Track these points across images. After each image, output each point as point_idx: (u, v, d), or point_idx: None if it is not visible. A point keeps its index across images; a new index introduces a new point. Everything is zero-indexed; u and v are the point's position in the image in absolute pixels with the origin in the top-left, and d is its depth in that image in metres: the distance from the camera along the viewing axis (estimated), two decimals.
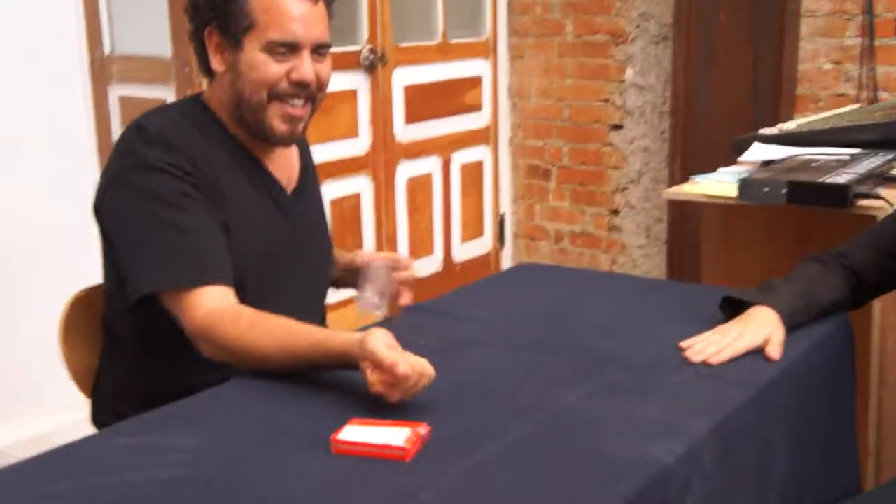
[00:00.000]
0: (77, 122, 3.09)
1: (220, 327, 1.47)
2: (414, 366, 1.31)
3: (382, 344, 1.32)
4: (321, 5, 1.62)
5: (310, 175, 1.79)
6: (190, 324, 1.50)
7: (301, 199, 1.73)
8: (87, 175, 3.02)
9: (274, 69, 1.58)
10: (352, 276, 1.82)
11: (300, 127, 1.65)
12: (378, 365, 1.30)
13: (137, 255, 1.54)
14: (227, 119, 1.65)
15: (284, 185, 1.71)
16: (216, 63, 1.61)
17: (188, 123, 1.62)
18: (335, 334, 1.42)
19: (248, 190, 1.64)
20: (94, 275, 1.74)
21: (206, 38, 1.61)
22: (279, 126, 1.62)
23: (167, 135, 1.57)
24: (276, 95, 1.60)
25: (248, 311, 1.50)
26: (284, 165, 1.72)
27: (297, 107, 1.62)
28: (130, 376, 1.67)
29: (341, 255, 1.90)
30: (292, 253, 1.70)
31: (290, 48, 1.58)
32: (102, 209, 1.61)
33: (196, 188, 1.55)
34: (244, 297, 1.57)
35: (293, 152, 1.76)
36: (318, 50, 1.62)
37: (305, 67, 1.60)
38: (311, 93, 1.63)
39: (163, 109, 1.69)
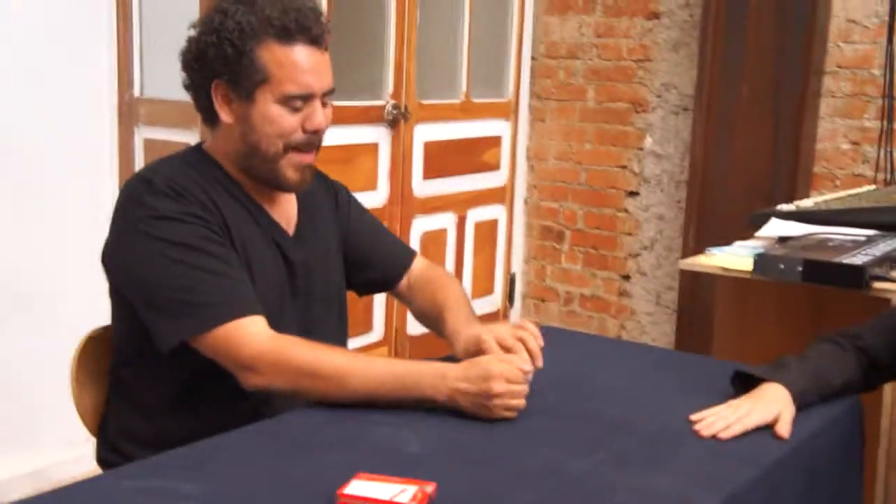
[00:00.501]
0: (101, 163, 3.12)
1: (292, 352, 1.49)
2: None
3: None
4: (327, 54, 1.65)
5: (311, 217, 1.78)
6: (249, 353, 1.50)
7: (301, 242, 1.74)
8: (108, 217, 3.04)
9: (290, 121, 1.60)
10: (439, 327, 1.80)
11: (310, 174, 1.68)
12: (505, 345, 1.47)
13: (168, 304, 1.53)
14: (230, 167, 1.67)
15: (285, 228, 1.72)
16: (224, 115, 1.62)
17: (193, 172, 1.63)
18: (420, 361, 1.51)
19: (254, 232, 1.66)
20: (109, 316, 1.75)
21: (212, 91, 1.61)
22: (293, 175, 1.65)
23: (174, 184, 1.58)
24: (291, 146, 1.62)
25: (305, 340, 1.53)
26: (285, 210, 1.74)
27: (309, 155, 1.65)
28: (137, 420, 1.67)
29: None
30: (293, 295, 1.70)
31: (304, 99, 1.61)
32: (113, 262, 1.61)
33: (212, 231, 1.57)
34: None
35: (291, 196, 1.77)
36: (326, 96, 1.65)
37: (319, 117, 1.62)
38: (320, 140, 1.67)
39: (165, 160, 1.69)
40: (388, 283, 1.92)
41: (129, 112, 3.14)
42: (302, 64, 1.59)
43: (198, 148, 1.71)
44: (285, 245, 1.71)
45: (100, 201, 3.08)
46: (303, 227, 1.75)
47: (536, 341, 1.61)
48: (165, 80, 3.11)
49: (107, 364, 1.75)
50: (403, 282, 1.91)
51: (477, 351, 1.60)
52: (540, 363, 1.60)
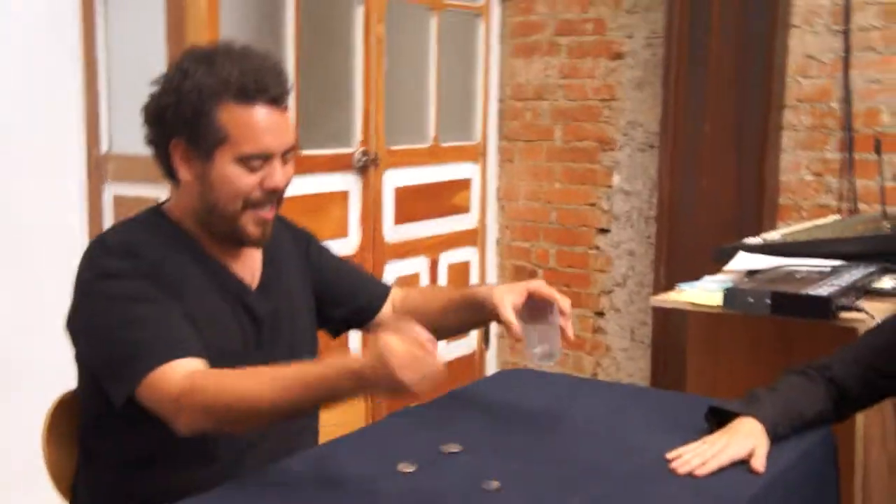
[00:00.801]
0: (72, 222, 3.10)
1: (201, 385, 1.46)
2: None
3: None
4: (287, 113, 1.66)
5: (277, 267, 1.78)
6: (168, 398, 1.47)
7: (266, 294, 1.73)
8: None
9: (248, 181, 1.60)
10: (470, 313, 1.82)
11: (270, 229, 1.68)
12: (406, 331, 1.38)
13: (108, 361, 1.54)
14: (189, 225, 1.67)
15: (248, 283, 1.72)
16: (183, 173, 1.62)
17: (148, 233, 1.64)
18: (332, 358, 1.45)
19: (210, 290, 1.65)
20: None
21: (171, 149, 1.61)
22: (253, 231, 1.65)
23: (126, 243, 1.59)
24: (250, 204, 1.62)
25: (232, 370, 1.49)
26: (247, 264, 1.73)
27: (269, 211, 1.65)
28: (107, 482, 1.65)
29: (438, 295, 1.89)
30: (259, 351, 1.69)
31: (263, 159, 1.60)
32: (70, 327, 1.62)
33: (157, 287, 1.56)
34: None
35: (254, 249, 1.76)
36: (286, 154, 1.65)
37: (278, 176, 1.62)
38: (281, 196, 1.67)
39: (124, 223, 1.70)
40: (368, 314, 1.93)
41: (98, 169, 3.14)
42: (260, 124, 1.59)
43: (156, 209, 1.71)
44: (248, 299, 1.70)
45: (70, 263, 3.05)
46: (267, 278, 1.75)
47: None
48: (133, 136, 3.11)
49: (76, 427, 1.73)
50: (385, 311, 1.93)
51: (526, 297, 1.70)
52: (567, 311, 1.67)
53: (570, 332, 1.67)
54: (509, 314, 1.69)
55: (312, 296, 1.85)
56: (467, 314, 1.84)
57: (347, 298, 1.91)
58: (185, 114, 1.57)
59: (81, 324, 1.59)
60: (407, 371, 1.36)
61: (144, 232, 1.64)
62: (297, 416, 1.52)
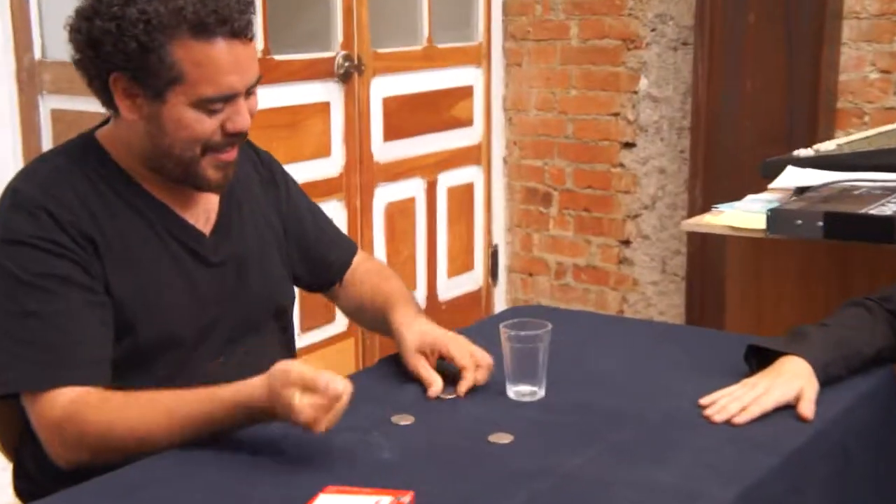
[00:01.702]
0: (2, 138, 3.11)
1: (80, 415, 1.50)
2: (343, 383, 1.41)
3: (306, 367, 1.41)
4: (252, 43, 1.64)
5: (237, 203, 1.78)
6: (42, 427, 1.53)
7: (224, 239, 1.74)
8: None
9: (207, 125, 1.59)
10: (380, 325, 1.88)
11: (232, 170, 1.68)
12: (312, 386, 1.39)
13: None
14: (129, 162, 1.66)
15: (201, 228, 1.72)
16: (126, 110, 1.59)
17: (78, 173, 1.62)
18: (229, 384, 1.48)
19: (157, 245, 1.66)
20: None
21: (111, 83, 1.58)
22: (214, 175, 1.64)
23: (42, 194, 1.57)
24: (210, 147, 1.61)
25: (117, 392, 1.53)
26: (199, 204, 1.73)
27: (231, 152, 1.65)
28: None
29: (381, 297, 1.90)
30: (226, 303, 1.71)
31: (225, 100, 1.59)
32: None
33: (71, 261, 1.56)
34: (177, 368, 1.62)
35: None
36: (250, 88, 1.63)
37: (241, 117, 1.61)
38: (245, 136, 1.67)
39: (48, 158, 1.67)
40: (329, 281, 1.98)
41: (31, 79, 3.14)
42: (222, 62, 1.56)
43: (90, 137, 1.69)
44: (202, 248, 1.70)
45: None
46: (225, 219, 1.75)
47: (482, 374, 1.70)
48: None
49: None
50: (344, 282, 1.97)
51: (433, 352, 1.73)
52: (462, 391, 1.67)
53: (462, 389, 1.68)
54: (421, 368, 1.72)
55: (284, 238, 1.87)
56: (382, 329, 1.88)
57: (316, 259, 1.94)
58: (127, 47, 1.53)
59: None
60: (306, 414, 1.40)
61: (74, 171, 1.62)
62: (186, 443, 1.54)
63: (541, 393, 1.65)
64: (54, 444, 1.53)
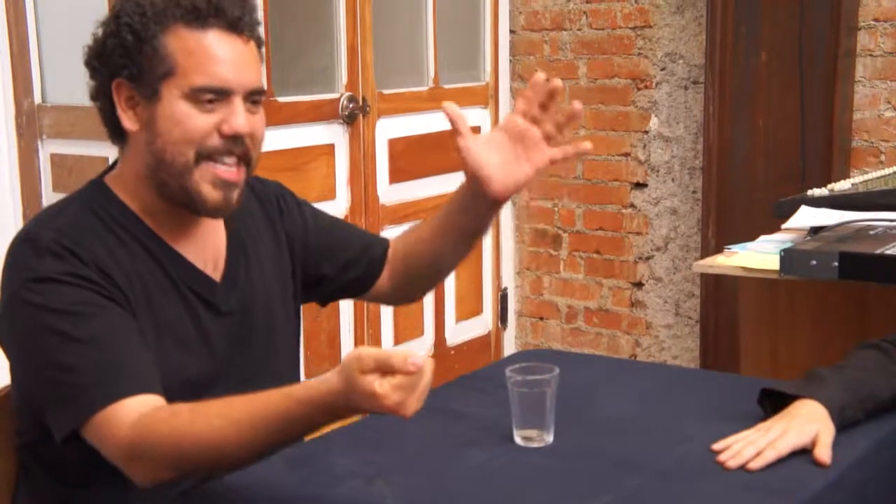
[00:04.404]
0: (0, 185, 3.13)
1: (152, 431, 1.45)
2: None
3: (377, 350, 1.34)
4: (252, 45, 1.64)
5: (244, 248, 1.77)
6: (115, 448, 1.48)
7: (233, 286, 1.73)
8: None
9: (200, 121, 1.58)
10: (460, 208, 1.85)
11: (235, 194, 1.64)
12: (389, 367, 1.31)
13: (48, 387, 1.53)
14: (136, 202, 1.65)
15: (210, 273, 1.70)
16: (127, 121, 1.60)
17: (92, 219, 1.62)
18: (299, 384, 1.43)
19: (172, 291, 1.65)
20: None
21: (114, 93, 1.60)
22: (210, 193, 1.61)
23: (64, 240, 1.56)
24: (204, 154, 1.59)
25: (185, 405, 1.48)
26: (207, 247, 1.72)
27: (231, 168, 1.61)
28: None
29: (426, 224, 1.92)
30: (232, 354, 1.70)
31: (218, 95, 1.58)
32: (2, 334, 1.61)
33: (101, 295, 1.55)
34: None
35: (214, 226, 1.73)
36: (252, 98, 1.62)
37: (238, 117, 1.59)
38: (246, 150, 1.62)
39: (59, 208, 1.67)
40: (373, 277, 1.94)
41: (30, 123, 3.16)
42: (215, 51, 1.58)
43: (99, 184, 1.69)
44: (213, 297, 1.69)
45: (2, 233, 3.08)
46: (233, 265, 1.74)
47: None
48: (71, 84, 3.12)
49: (11, 427, 1.75)
50: (382, 278, 1.95)
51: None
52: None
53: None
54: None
55: (291, 277, 1.86)
56: (460, 214, 1.85)
57: (351, 263, 1.92)
58: (125, 43, 1.57)
59: (12, 338, 1.58)
60: (392, 399, 1.33)
61: (87, 217, 1.62)
62: (263, 456, 1.52)
63: (548, 438, 1.65)
64: (131, 466, 1.48)
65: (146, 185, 1.64)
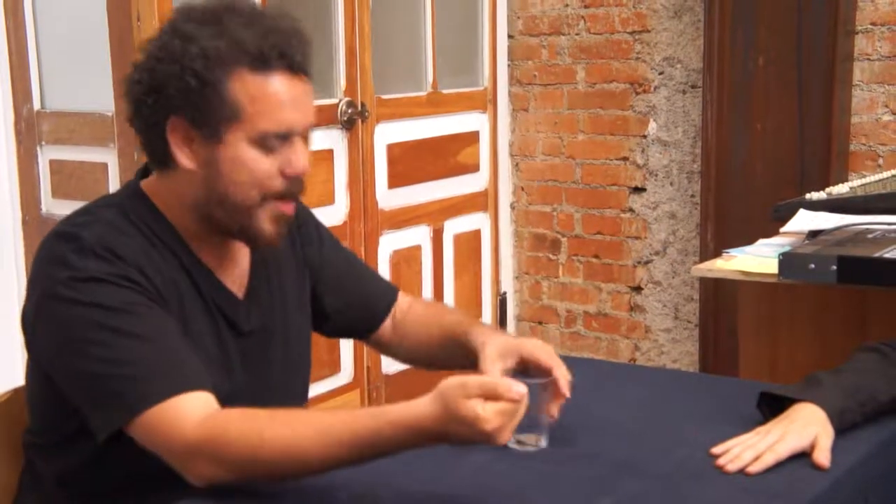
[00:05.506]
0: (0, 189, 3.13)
1: (225, 430, 1.44)
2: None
3: (479, 377, 1.37)
4: (310, 83, 1.64)
5: (266, 271, 1.77)
6: (177, 443, 1.45)
7: (254, 306, 1.73)
8: (9, 256, 3.05)
9: (265, 165, 1.57)
10: (460, 357, 1.82)
11: (287, 226, 1.67)
12: (494, 393, 1.34)
13: (95, 383, 1.51)
14: (176, 218, 1.64)
15: (235, 292, 1.71)
16: (184, 158, 1.58)
17: (131, 227, 1.61)
18: (388, 406, 1.42)
19: (200, 306, 1.65)
20: (16, 376, 1.74)
21: (168, 130, 1.57)
22: (269, 229, 1.62)
23: (106, 243, 1.55)
24: (269, 195, 1.60)
25: (262, 409, 1.47)
26: (234, 268, 1.72)
27: (291, 204, 1.63)
28: None
29: (438, 320, 1.91)
30: (248, 374, 1.70)
31: (283, 139, 1.58)
32: (33, 330, 1.59)
33: (146, 297, 1.54)
34: None
35: (242, 250, 1.74)
36: (307, 132, 1.63)
37: (301, 159, 1.60)
38: (303, 186, 1.64)
39: (97, 210, 1.65)
40: (371, 325, 1.95)
41: (29, 129, 3.16)
42: (281, 97, 1.57)
43: (136, 189, 1.67)
44: (234, 314, 1.69)
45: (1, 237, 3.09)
46: (256, 286, 1.74)
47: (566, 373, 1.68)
48: (71, 90, 3.13)
49: (19, 434, 1.75)
50: (387, 323, 1.94)
51: (513, 354, 1.70)
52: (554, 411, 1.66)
53: (555, 412, 1.66)
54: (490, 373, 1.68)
55: (309, 300, 1.86)
56: (457, 357, 1.84)
57: (355, 306, 1.92)
58: (188, 86, 1.54)
59: (48, 335, 1.56)
60: (493, 423, 1.35)
61: (127, 224, 1.61)
62: (337, 469, 1.49)
63: (543, 443, 1.64)
64: (193, 463, 1.45)
65: (192, 211, 1.64)
